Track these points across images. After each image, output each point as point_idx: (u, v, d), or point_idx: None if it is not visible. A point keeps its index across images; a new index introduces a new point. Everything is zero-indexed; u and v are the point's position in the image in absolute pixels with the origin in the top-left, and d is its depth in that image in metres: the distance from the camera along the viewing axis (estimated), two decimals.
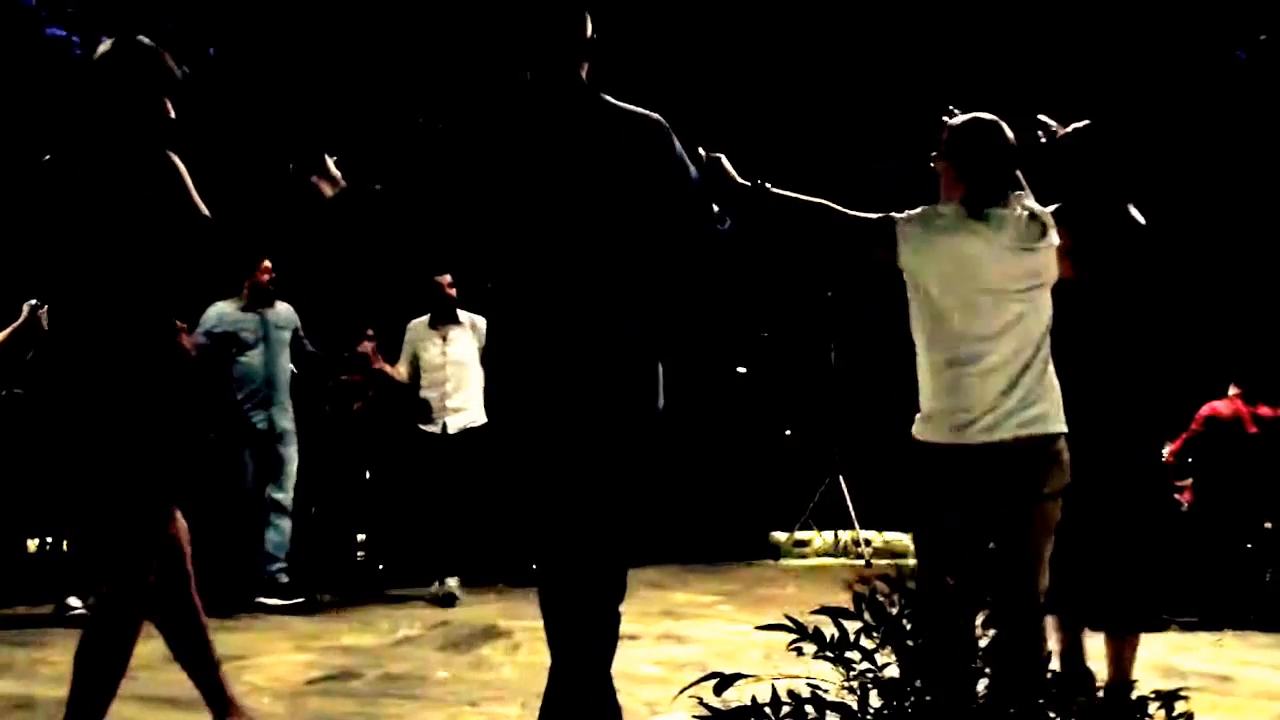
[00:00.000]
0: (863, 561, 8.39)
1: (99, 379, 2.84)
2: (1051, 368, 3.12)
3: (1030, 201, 3.18)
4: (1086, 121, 3.71)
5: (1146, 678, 3.85)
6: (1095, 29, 10.16)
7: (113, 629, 2.87)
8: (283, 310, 6.44)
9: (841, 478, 8.72)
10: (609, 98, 2.75)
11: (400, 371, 6.67)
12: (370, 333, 6.60)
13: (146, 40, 2.98)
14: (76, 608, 5.53)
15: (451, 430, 6.56)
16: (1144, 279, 3.68)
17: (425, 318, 6.75)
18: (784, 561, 8.72)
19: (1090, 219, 3.59)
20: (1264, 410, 6.44)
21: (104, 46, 2.95)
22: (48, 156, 2.92)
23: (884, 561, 8.25)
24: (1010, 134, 3.16)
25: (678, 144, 2.76)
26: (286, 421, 6.37)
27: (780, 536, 9.16)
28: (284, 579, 6.16)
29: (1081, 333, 3.59)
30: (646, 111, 2.74)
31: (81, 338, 2.87)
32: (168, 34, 9.94)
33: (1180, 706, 2.86)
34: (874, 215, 3.11)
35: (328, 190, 2.99)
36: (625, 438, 2.73)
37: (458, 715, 3.94)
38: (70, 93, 3.08)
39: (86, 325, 2.87)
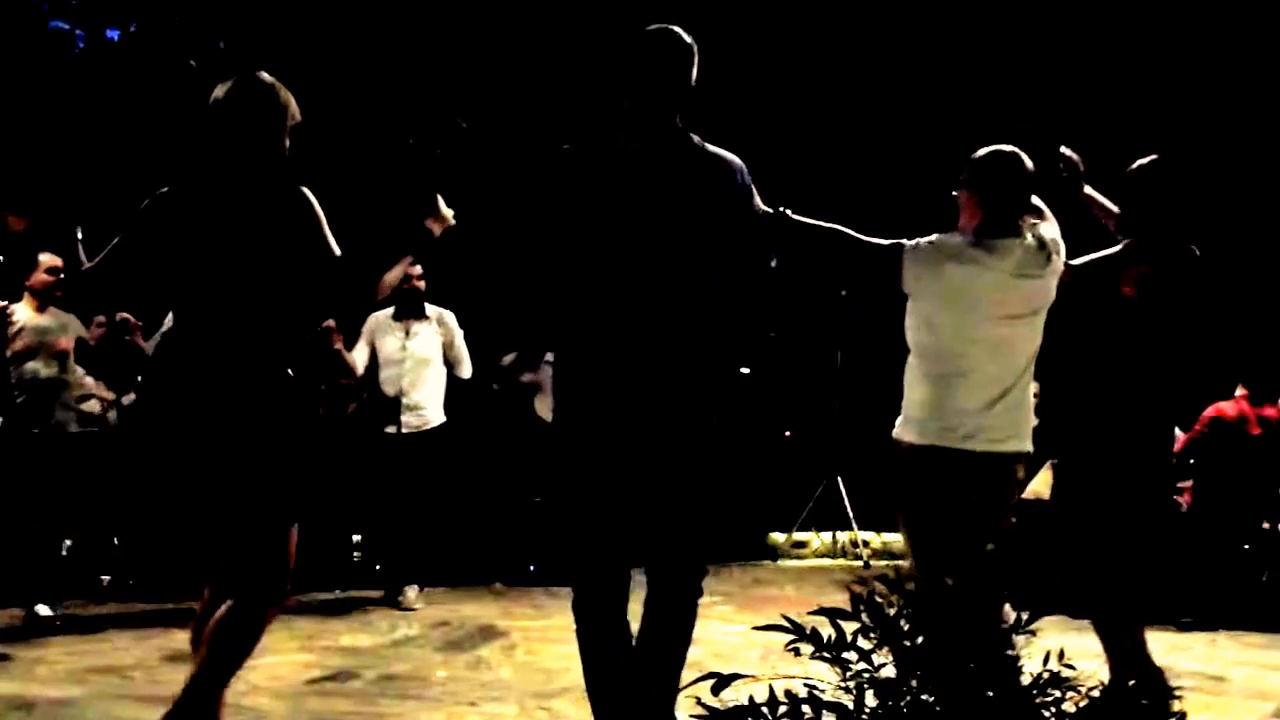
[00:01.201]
0: (860, 563, 8.40)
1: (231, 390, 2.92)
2: (1030, 391, 3.36)
3: (1044, 229, 3.36)
4: (1154, 157, 3.85)
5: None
6: (1136, 30, 10.15)
7: (250, 623, 2.92)
8: None
9: (840, 479, 8.73)
10: (696, 138, 2.92)
11: (354, 360, 6.33)
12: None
13: (267, 77, 3.03)
14: (48, 616, 5.47)
15: (406, 430, 6.28)
16: (1192, 302, 3.86)
17: (390, 309, 6.38)
18: (782, 562, 8.73)
19: (1160, 254, 3.77)
20: (1270, 411, 6.44)
21: (224, 85, 3.01)
22: (165, 189, 3.00)
23: (882, 563, 8.27)
24: (1029, 164, 3.34)
25: (751, 184, 2.95)
26: None
27: (778, 537, 9.17)
28: None
29: (1125, 347, 3.79)
30: (728, 155, 2.92)
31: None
32: (174, 27, 9.98)
33: (1174, 706, 2.90)
34: (884, 242, 3.31)
35: (437, 230, 3.08)
36: (699, 453, 2.90)
37: (457, 715, 3.95)
38: (194, 130, 3.14)
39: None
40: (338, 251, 2.98)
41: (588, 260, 2.88)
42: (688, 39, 2.92)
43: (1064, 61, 9.97)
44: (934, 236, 3.30)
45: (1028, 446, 3.34)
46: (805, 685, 2.94)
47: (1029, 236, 3.29)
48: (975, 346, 3.23)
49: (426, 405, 6.37)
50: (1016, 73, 9.99)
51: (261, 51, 9.71)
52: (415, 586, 6.28)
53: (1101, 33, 10.09)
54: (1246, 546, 6.33)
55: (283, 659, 4.83)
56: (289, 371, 3.00)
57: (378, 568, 6.95)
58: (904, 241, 3.31)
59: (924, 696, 2.72)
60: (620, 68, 2.90)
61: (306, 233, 2.95)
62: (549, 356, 7.47)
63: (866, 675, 2.91)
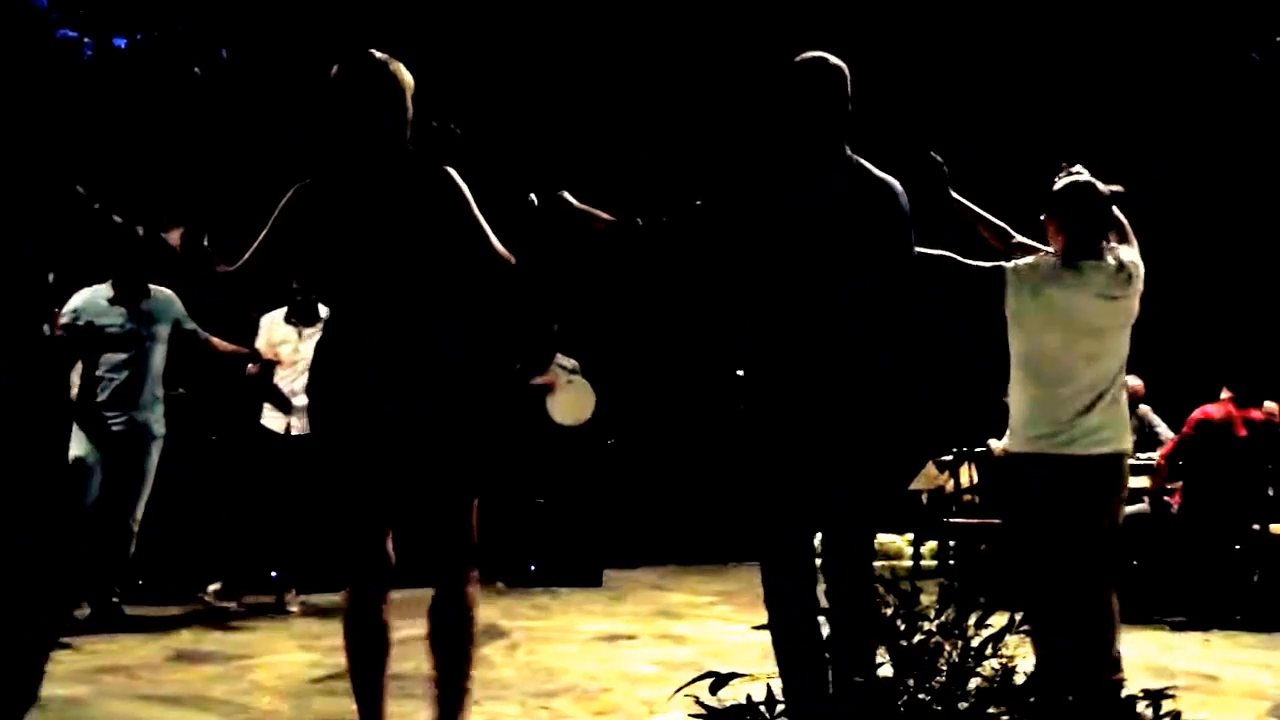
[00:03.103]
0: None
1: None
2: (1125, 396, 3.68)
3: (1123, 251, 3.68)
4: (1118, 188, 4.05)
5: (1135, 677, 3.93)
6: (1106, 28, 10.22)
7: (466, 607, 3.15)
8: (159, 299, 5.75)
9: None
10: (865, 164, 3.09)
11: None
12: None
13: (380, 54, 2.96)
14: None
15: (295, 432, 6.15)
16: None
17: (280, 311, 6.28)
18: None
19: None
20: (1255, 414, 6.50)
21: (338, 67, 2.95)
22: (306, 180, 2.96)
23: (877, 563, 8.31)
24: (1104, 191, 3.66)
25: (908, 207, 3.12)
26: (153, 425, 5.72)
27: None
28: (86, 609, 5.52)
29: None
30: (891, 179, 3.10)
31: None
32: (179, 35, 10.00)
33: (1168, 705, 2.96)
34: (986, 264, 3.63)
35: (602, 221, 3.10)
36: (875, 443, 3.07)
37: None
38: (317, 114, 3.08)
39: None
40: (500, 247, 2.92)
41: (774, 278, 3.04)
42: (839, 63, 3.08)
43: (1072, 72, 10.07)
44: (1030, 259, 3.65)
45: (1125, 446, 3.65)
46: None
47: (1109, 259, 3.62)
48: (1070, 359, 3.56)
49: None
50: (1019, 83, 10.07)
51: (265, 60, 9.78)
52: (294, 590, 6.23)
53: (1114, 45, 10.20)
54: (1237, 547, 6.39)
55: (287, 658, 4.87)
56: (464, 356, 2.96)
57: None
58: (1004, 264, 3.65)
59: (920, 696, 2.78)
60: (782, 99, 3.05)
61: (454, 212, 2.88)
62: (559, 359, 7.52)
63: None
